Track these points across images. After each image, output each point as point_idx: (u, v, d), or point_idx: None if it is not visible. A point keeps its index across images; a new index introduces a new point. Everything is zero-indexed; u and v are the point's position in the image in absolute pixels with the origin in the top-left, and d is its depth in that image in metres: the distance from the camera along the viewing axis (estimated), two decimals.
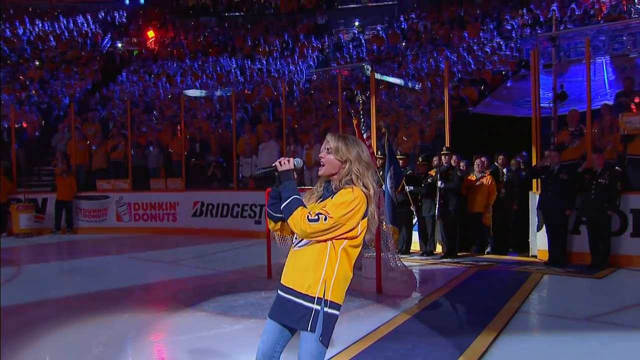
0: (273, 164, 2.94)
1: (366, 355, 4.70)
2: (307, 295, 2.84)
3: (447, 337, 5.18)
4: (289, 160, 2.91)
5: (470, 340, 5.01)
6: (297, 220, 2.78)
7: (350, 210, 2.80)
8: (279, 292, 2.96)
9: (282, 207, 2.85)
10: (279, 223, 3.02)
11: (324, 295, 2.84)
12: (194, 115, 17.29)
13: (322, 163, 2.96)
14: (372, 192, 2.90)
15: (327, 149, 2.94)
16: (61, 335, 5.57)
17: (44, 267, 10.19)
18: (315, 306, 2.82)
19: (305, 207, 2.84)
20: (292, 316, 2.86)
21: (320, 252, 2.87)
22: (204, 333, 5.59)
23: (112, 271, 9.54)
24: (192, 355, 4.95)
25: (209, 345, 5.21)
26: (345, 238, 2.85)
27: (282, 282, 2.97)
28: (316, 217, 2.77)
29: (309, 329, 2.81)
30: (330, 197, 2.89)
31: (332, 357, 4.56)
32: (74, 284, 8.34)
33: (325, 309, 2.84)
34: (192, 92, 18.53)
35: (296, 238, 2.97)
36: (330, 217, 2.77)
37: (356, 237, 2.88)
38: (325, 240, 2.84)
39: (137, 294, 7.69)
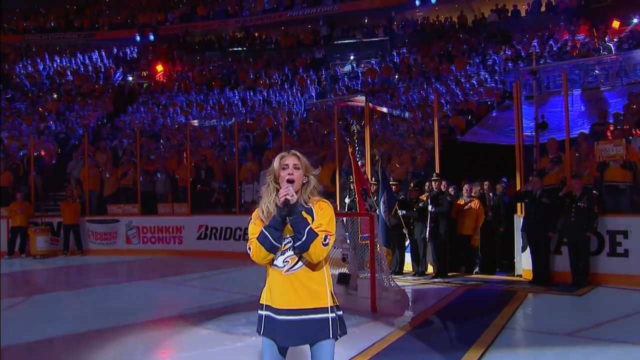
0: (284, 198, 2.82)
1: None
2: (321, 308, 2.89)
3: (439, 352, 5.18)
4: (293, 192, 2.85)
5: (460, 356, 5.02)
6: (318, 249, 2.81)
7: (335, 222, 2.93)
8: (282, 317, 2.88)
9: (302, 240, 2.79)
10: (271, 254, 2.91)
11: (334, 302, 2.95)
12: (199, 144, 17.41)
13: (291, 180, 2.88)
14: None
15: (295, 165, 2.93)
16: (73, 351, 5.56)
17: (58, 287, 10.17)
18: (330, 315, 2.90)
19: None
20: (310, 333, 2.88)
21: (319, 267, 2.93)
22: (208, 350, 5.59)
23: (121, 291, 9.51)
24: None
25: None
26: None
27: (282, 306, 2.90)
28: (326, 240, 2.82)
29: (330, 337, 2.89)
30: (301, 212, 2.88)
31: None
32: (85, 303, 8.33)
33: (338, 313, 2.96)
34: (197, 122, 18.65)
35: (285, 262, 2.91)
36: (331, 235, 2.86)
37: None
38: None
39: (145, 312, 7.67)
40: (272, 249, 2.88)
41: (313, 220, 2.89)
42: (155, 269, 11.76)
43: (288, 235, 2.91)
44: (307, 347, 2.97)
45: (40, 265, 12.67)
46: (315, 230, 2.84)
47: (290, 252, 2.91)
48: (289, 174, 2.91)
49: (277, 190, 2.92)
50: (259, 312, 3.01)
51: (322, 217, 2.90)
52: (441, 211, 9.46)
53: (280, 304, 2.91)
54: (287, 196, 2.81)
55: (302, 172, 2.94)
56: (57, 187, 16.61)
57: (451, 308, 7.33)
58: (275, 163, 2.97)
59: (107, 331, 6.34)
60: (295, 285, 2.91)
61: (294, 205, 2.83)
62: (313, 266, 2.91)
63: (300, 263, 2.92)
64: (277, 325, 2.90)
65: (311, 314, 2.88)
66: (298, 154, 2.98)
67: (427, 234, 9.49)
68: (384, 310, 7.03)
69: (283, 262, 2.92)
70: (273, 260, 2.93)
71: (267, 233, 2.86)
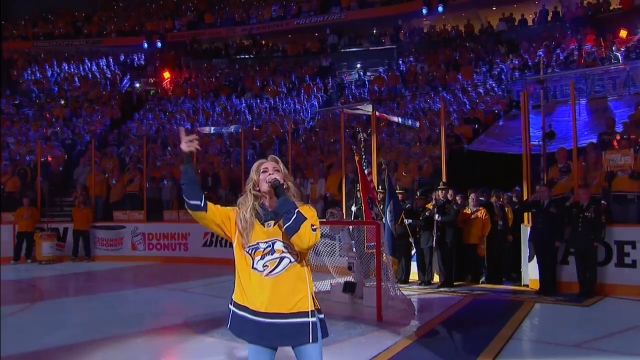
0: (274, 177, 2.92)
1: None
2: (300, 312, 2.88)
3: None
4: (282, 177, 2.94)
5: None
6: (308, 231, 2.78)
7: (318, 222, 2.93)
8: (259, 318, 2.86)
9: (292, 219, 2.78)
10: (199, 212, 3.07)
11: (315, 307, 2.94)
12: (205, 151, 17.45)
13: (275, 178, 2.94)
14: None
15: (274, 167, 2.99)
16: (78, 358, 5.57)
17: (63, 293, 10.20)
18: (310, 319, 2.89)
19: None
20: (289, 336, 2.87)
21: (299, 272, 2.93)
22: (213, 358, 5.59)
23: (126, 298, 9.53)
24: None
25: None
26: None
27: (260, 309, 2.87)
28: (313, 227, 2.82)
29: (310, 341, 2.86)
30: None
31: None
32: (91, 310, 8.34)
33: (319, 317, 2.95)
34: (204, 129, 18.70)
35: (265, 266, 2.90)
36: (318, 228, 2.86)
37: None
38: (305, 252, 2.92)
39: (150, 319, 7.70)
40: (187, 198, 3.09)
41: None
42: (160, 275, 11.77)
43: (266, 239, 2.92)
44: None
45: (47, 271, 12.69)
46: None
47: (269, 256, 2.91)
48: (269, 174, 2.96)
49: (255, 197, 2.99)
50: (230, 306, 2.99)
51: (306, 213, 2.88)
52: (447, 220, 9.44)
53: (258, 306, 2.88)
54: (276, 176, 2.90)
55: (282, 176, 2.97)
56: (63, 193, 16.71)
57: (457, 318, 7.30)
58: (254, 170, 3.03)
59: (112, 338, 6.34)
60: (275, 289, 2.88)
61: (281, 186, 2.88)
62: (294, 269, 2.91)
63: (280, 267, 2.90)
64: (250, 326, 2.88)
65: (290, 317, 2.87)
66: (277, 158, 3.04)
67: (434, 243, 9.47)
68: (390, 319, 7.00)
69: (263, 266, 2.90)
70: (253, 264, 2.92)
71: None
